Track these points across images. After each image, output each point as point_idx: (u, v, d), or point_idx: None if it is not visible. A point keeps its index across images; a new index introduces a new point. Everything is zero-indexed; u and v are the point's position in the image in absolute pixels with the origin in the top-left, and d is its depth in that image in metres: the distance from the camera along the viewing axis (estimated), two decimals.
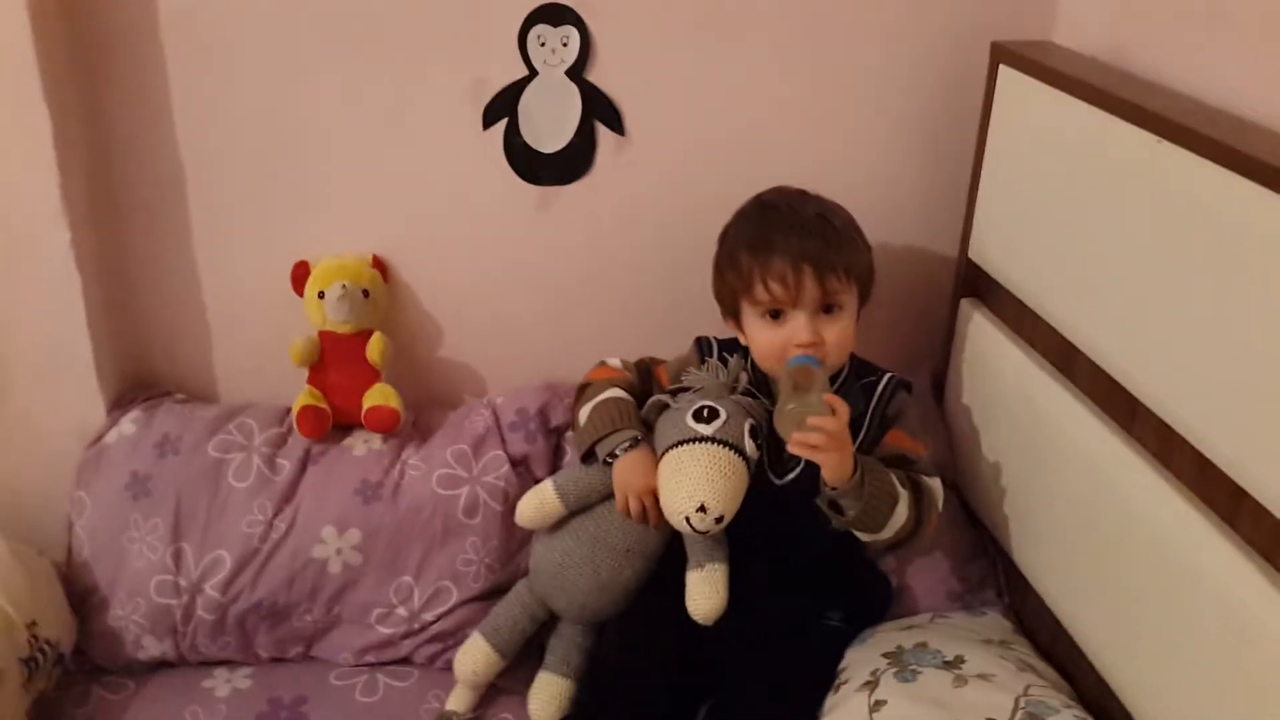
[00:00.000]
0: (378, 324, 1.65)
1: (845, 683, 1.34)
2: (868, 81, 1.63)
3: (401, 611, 1.56)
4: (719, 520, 1.33)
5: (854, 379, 1.47)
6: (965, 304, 1.62)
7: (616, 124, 1.61)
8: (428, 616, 1.56)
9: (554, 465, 1.65)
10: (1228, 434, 1.08)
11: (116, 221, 1.63)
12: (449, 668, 1.52)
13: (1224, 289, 1.08)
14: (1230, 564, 1.08)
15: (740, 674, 1.40)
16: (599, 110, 1.61)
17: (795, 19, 1.59)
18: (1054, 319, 1.38)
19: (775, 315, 1.41)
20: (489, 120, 1.61)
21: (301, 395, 1.62)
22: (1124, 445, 1.25)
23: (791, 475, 1.43)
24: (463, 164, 1.63)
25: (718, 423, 1.37)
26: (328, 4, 1.54)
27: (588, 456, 1.49)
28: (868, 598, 1.51)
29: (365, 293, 1.62)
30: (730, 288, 1.45)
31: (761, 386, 1.46)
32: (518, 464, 1.62)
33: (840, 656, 1.42)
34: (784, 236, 1.40)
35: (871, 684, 1.30)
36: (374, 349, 1.63)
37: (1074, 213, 1.33)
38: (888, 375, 1.48)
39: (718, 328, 1.53)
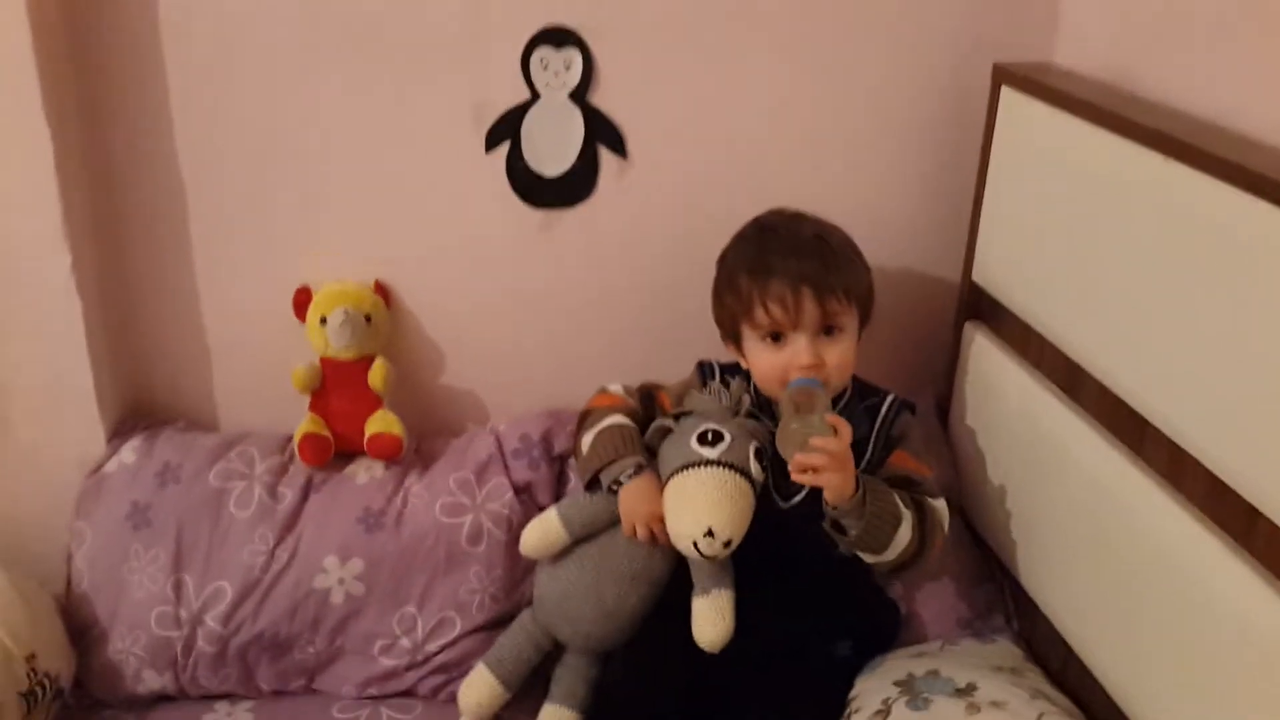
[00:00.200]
0: (380, 350, 1.65)
1: (856, 711, 1.32)
2: (869, 104, 1.63)
3: (405, 642, 1.54)
4: (727, 544, 1.32)
5: (857, 401, 1.46)
6: (969, 327, 1.61)
7: (619, 147, 1.61)
8: (431, 647, 1.54)
9: (558, 492, 1.64)
10: (1240, 453, 1.07)
11: (117, 247, 1.62)
12: (453, 700, 1.50)
13: (1233, 305, 1.07)
14: (1244, 584, 1.06)
15: (747, 701, 1.38)
16: (601, 133, 1.60)
17: (797, 42, 1.59)
18: (1060, 341, 1.38)
19: (776, 338, 1.41)
20: (491, 143, 1.60)
21: (304, 422, 1.61)
22: (1132, 466, 1.23)
23: (797, 498, 1.41)
24: (465, 187, 1.63)
25: (722, 446, 1.36)
26: (328, 25, 1.54)
27: (591, 484, 1.47)
28: (876, 624, 1.49)
29: (367, 318, 1.61)
30: (730, 311, 1.45)
31: (764, 409, 1.46)
32: (521, 491, 1.61)
33: (850, 685, 1.40)
34: (782, 259, 1.40)
35: (883, 713, 1.28)
36: (376, 375, 1.62)
37: (1079, 233, 1.32)
38: (891, 396, 1.47)
39: (720, 352, 1.52)
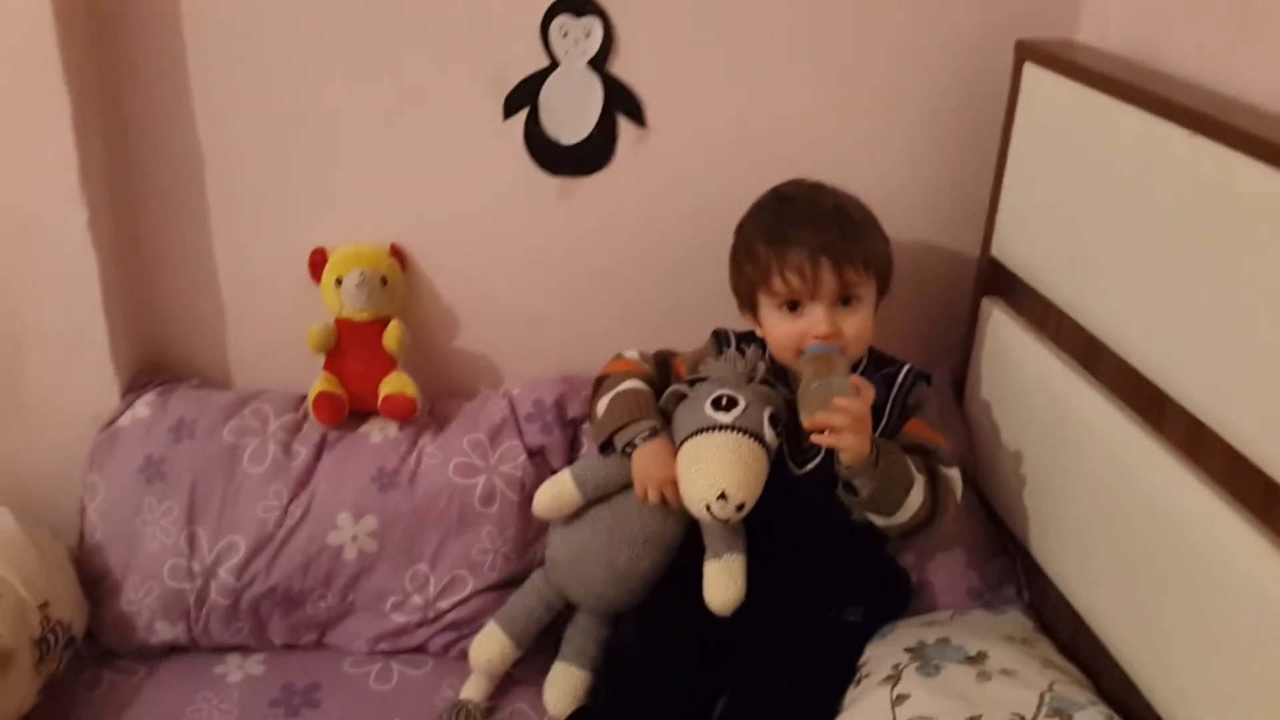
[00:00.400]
0: (395, 312, 1.65)
1: (866, 676, 1.33)
2: (890, 79, 1.63)
3: (417, 600, 1.55)
4: (740, 508, 1.32)
5: (873, 370, 1.47)
6: (986, 301, 1.61)
7: (638, 115, 1.61)
8: (443, 605, 1.54)
9: (570, 457, 1.64)
10: (1261, 426, 1.08)
11: (133, 205, 1.62)
12: (464, 657, 1.51)
13: (1255, 280, 1.08)
14: (1264, 558, 1.07)
15: (758, 665, 1.39)
16: (620, 102, 1.60)
17: (819, 14, 1.59)
18: (1080, 315, 1.38)
19: (793, 307, 1.41)
20: (510, 110, 1.60)
21: (318, 381, 1.61)
22: (1151, 440, 1.24)
23: (812, 465, 1.42)
24: (482, 154, 1.62)
25: (736, 410, 1.37)
26: None
27: (605, 447, 1.48)
28: (887, 591, 1.50)
29: (383, 280, 1.61)
30: (747, 280, 1.45)
31: (779, 378, 1.46)
32: (534, 455, 1.61)
33: (860, 651, 1.40)
34: (801, 228, 1.39)
35: (894, 678, 1.29)
36: (391, 337, 1.62)
37: (1102, 208, 1.32)
38: (907, 366, 1.48)
39: (735, 320, 1.52)
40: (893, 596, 1.50)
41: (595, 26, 1.56)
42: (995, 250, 1.59)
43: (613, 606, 1.48)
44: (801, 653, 1.39)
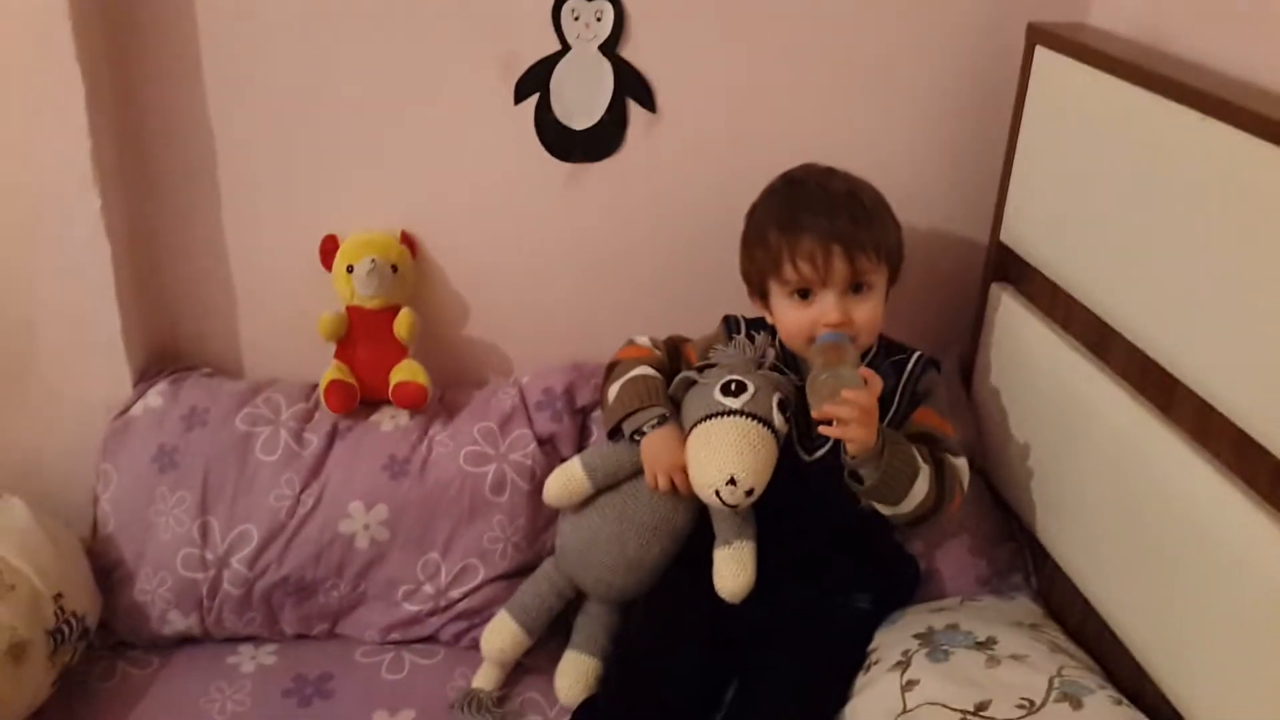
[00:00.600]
0: (405, 300, 1.65)
1: (876, 663, 1.33)
2: (901, 63, 1.63)
3: (428, 588, 1.55)
4: (749, 493, 1.32)
5: (883, 356, 1.47)
6: (995, 288, 1.61)
7: (648, 101, 1.61)
8: (454, 594, 1.55)
9: (580, 445, 1.64)
10: (1270, 410, 1.08)
11: (145, 192, 1.63)
12: (475, 646, 1.51)
13: (1267, 262, 1.07)
14: (1272, 541, 1.06)
15: (767, 652, 1.39)
16: (631, 86, 1.60)
17: None
18: (1090, 300, 1.37)
19: (804, 295, 1.40)
20: (520, 95, 1.60)
21: (329, 370, 1.62)
22: (1160, 424, 1.24)
23: (821, 451, 1.42)
24: (493, 139, 1.62)
25: (745, 396, 1.37)
26: None
27: (614, 433, 1.48)
28: (895, 578, 1.50)
29: (394, 268, 1.61)
30: (758, 267, 1.44)
31: (789, 364, 1.46)
32: (544, 443, 1.61)
33: (869, 638, 1.41)
34: (813, 215, 1.39)
35: (903, 664, 1.29)
36: (401, 324, 1.62)
37: (1114, 192, 1.32)
38: (917, 353, 1.47)
39: (746, 307, 1.52)
40: (901, 583, 1.51)
41: (606, 9, 1.56)
42: (1005, 236, 1.58)
43: (623, 594, 1.49)
44: (811, 640, 1.40)
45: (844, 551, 1.46)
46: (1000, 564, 1.55)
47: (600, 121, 1.61)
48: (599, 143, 1.63)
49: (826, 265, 1.37)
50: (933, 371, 1.47)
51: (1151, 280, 1.25)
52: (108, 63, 1.53)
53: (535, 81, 1.59)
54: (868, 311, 1.40)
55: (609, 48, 1.58)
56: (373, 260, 1.59)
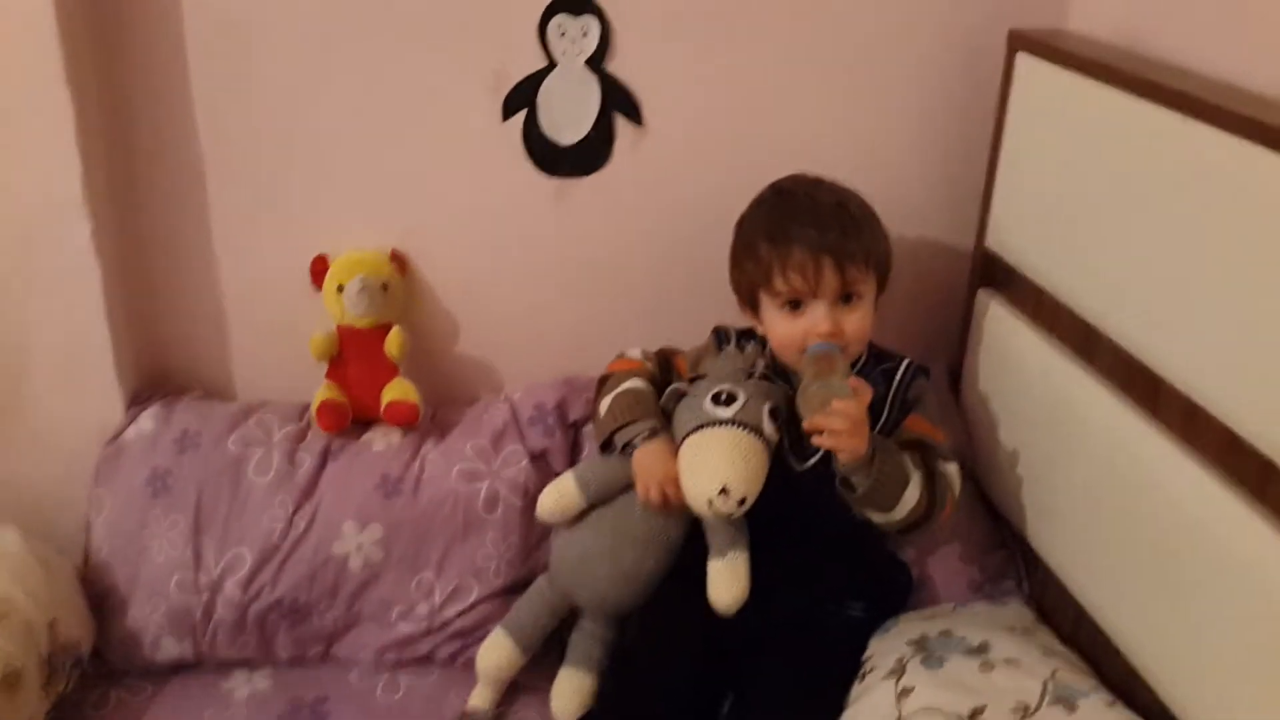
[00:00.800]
0: (396, 318, 1.65)
1: (871, 671, 1.33)
2: (883, 71, 1.64)
3: (422, 608, 1.55)
4: (742, 503, 1.32)
5: (873, 365, 1.47)
6: (982, 294, 1.61)
7: (635, 115, 1.61)
8: (449, 613, 1.55)
9: (573, 460, 1.64)
10: (1256, 407, 1.08)
11: (136, 215, 1.63)
12: (470, 665, 1.51)
13: (1250, 261, 1.08)
14: (1260, 540, 1.07)
15: (762, 663, 1.39)
16: (618, 101, 1.61)
17: (812, 9, 1.59)
18: (1075, 303, 1.38)
19: (794, 306, 1.41)
20: (509, 111, 1.61)
21: (321, 390, 1.62)
22: (1148, 425, 1.24)
23: (813, 460, 1.42)
24: (481, 156, 1.63)
25: (736, 405, 1.37)
26: None
27: (606, 447, 1.48)
28: (888, 585, 1.50)
29: (384, 286, 1.62)
30: (748, 278, 1.45)
31: (779, 374, 1.46)
32: (537, 459, 1.61)
33: (863, 646, 1.41)
34: (802, 226, 1.39)
35: (898, 672, 1.29)
36: (392, 343, 1.63)
37: (1097, 195, 1.32)
38: (907, 361, 1.48)
39: (736, 318, 1.53)
40: (894, 591, 1.51)
41: (592, 25, 1.57)
42: (990, 242, 1.59)
43: (618, 608, 1.48)
44: (805, 648, 1.40)
45: (837, 560, 1.46)
46: (992, 570, 1.55)
47: (587, 136, 1.62)
48: (587, 157, 1.64)
49: (817, 276, 1.37)
50: (922, 379, 1.47)
51: (1135, 281, 1.26)
52: (97, 86, 1.54)
53: (523, 98, 1.60)
54: (857, 321, 1.40)
55: (595, 63, 1.59)
56: (363, 279, 1.60)
